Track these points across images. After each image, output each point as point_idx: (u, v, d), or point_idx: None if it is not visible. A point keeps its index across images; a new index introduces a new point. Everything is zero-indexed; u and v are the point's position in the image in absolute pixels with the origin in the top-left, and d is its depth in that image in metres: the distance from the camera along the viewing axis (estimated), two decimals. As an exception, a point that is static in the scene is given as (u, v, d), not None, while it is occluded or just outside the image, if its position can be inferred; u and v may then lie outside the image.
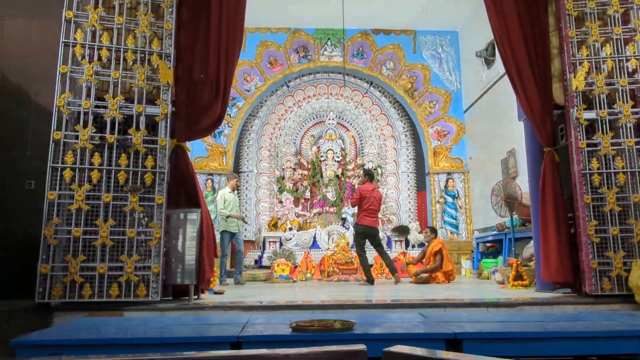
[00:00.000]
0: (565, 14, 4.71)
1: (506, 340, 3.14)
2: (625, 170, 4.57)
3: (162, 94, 4.80)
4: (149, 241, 4.42)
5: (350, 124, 12.62)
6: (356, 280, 8.40)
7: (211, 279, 5.23)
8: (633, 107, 4.62)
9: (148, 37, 4.84)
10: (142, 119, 4.68)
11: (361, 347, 0.82)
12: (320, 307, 4.38)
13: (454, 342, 3.15)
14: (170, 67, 4.82)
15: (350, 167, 12.15)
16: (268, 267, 9.80)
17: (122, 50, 4.72)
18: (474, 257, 10.19)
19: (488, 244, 9.83)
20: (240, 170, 12.32)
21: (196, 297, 4.83)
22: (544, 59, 4.98)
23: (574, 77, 4.66)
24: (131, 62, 4.77)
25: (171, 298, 4.80)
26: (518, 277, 6.04)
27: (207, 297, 5.20)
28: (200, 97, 5.14)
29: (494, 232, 9.14)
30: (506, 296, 5.15)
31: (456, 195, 11.61)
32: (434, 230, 7.94)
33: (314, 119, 12.66)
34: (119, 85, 4.68)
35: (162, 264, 4.42)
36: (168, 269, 4.58)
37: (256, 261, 10.86)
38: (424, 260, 7.90)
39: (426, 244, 8.01)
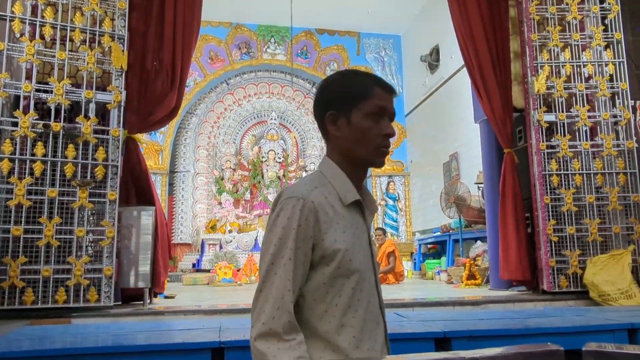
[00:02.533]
0: (529, 17, 4.85)
1: (494, 338, 3.11)
2: (581, 172, 4.75)
3: (114, 80, 4.39)
4: (100, 241, 4.00)
5: (292, 125, 12.45)
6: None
7: (165, 282, 4.85)
8: (589, 111, 4.83)
9: (98, 16, 4.41)
10: (92, 106, 4.25)
11: (557, 347, 0.66)
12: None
13: (443, 341, 3.08)
14: (123, 51, 4.42)
15: (292, 168, 11.98)
16: (209, 271, 9.39)
17: (68, 29, 4.26)
18: (415, 259, 10.35)
19: (429, 245, 10.02)
20: (176, 170, 11.77)
21: (149, 301, 4.44)
22: (505, 62, 5.09)
23: (536, 80, 4.80)
24: (79, 43, 4.32)
25: (120, 303, 4.38)
26: (471, 276, 6.15)
27: (159, 302, 4.81)
28: (153, 86, 4.77)
29: (437, 233, 9.33)
30: (464, 295, 5.21)
31: (397, 198, 11.77)
32: (384, 232, 7.95)
33: (255, 118, 12.36)
34: (65, 68, 4.22)
35: (115, 265, 4.01)
36: (120, 272, 4.18)
37: (194, 265, 10.39)
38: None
39: (376, 245, 7.99)
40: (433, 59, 10.33)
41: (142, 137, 10.54)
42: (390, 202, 11.73)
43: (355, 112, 1.22)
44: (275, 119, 12.02)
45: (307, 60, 12.08)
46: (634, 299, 4.28)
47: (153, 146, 11.08)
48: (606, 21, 4.96)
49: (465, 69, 5.60)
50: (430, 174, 10.65)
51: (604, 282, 4.39)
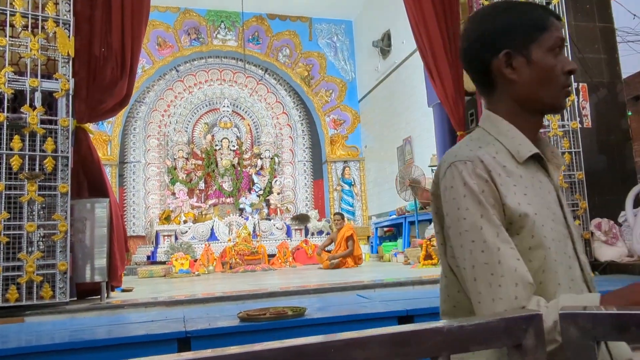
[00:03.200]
0: (479, 2, 4.97)
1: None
2: (530, 151, 4.95)
3: (60, 68, 4.19)
4: (52, 235, 3.84)
5: (246, 112, 12.31)
6: (263, 269, 8.22)
7: (122, 275, 4.73)
8: (536, 93, 5.02)
9: (40, 0, 4.19)
10: (38, 95, 4.05)
11: (537, 311, 0.70)
12: (251, 297, 4.17)
13: (406, 319, 3.16)
14: (69, 37, 4.22)
15: (246, 156, 11.86)
16: (164, 263, 9.22)
17: (8, 13, 4.03)
18: (372, 242, 10.53)
19: (385, 228, 10.22)
20: (126, 161, 11.43)
21: (106, 295, 4.32)
22: (457, 46, 5.21)
23: (486, 64, 4.94)
24: (20, 29, 4.09)
25: (76, 299, 4.24)
26: (428, 256, 6.32)
27: (116, 296, 4.69)
28: (102, 74, 4.59)
29: (393, 216, 9.51)
30: (422, 274, 5.35)
31: (352, 183, 11.90)
32: (342, 216, 8.04)
33: (206, 106, 12.13)
34: (7, 55, 4.00)
35: (69, 260, 3.87)
36: (75, 266, 4.04)
37: (149, 257, 10.17)
38: (331, 245, 7.97)
39: (334, 229, 8.07)
40: (385, 44, 10.44)
41: (90, 127, 10.19)
42: (346, 187, 11.85)
43: (535, 48, 1.03)
44: (227, 106, 11.84)
45: (258, 46, 11.93)
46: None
47: (101, 136, 10.70)
48: (550, 6, 5.15)
49: (416, 53, 5.71)
50: (384, 158, 10.82)
51: (553, 256, 4.61)
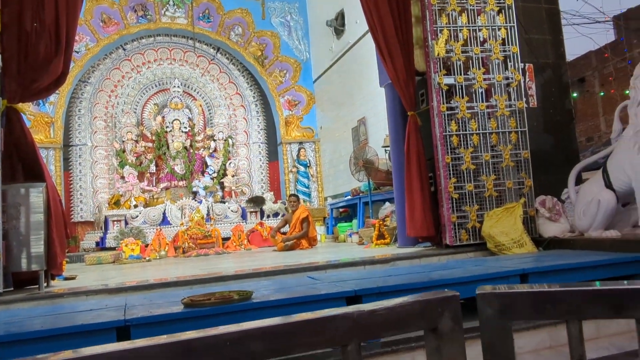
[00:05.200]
0: (429, -18, 4.95)
1: (401, 292, 3.22)
2: (478, 131, 5.02)
3: (-14, 43, 3.90)
4: (-18, 222, 3.61)
5: (198, 93, 11.98)
6: (216, 253, 8.09)
7: (63, 263, 4.52)
8: (484, 74, 5.07)
9: (-38, -30, 3.87)
10: (-39, 72, 3.76)
11: (453, 292, 0.65)
12: (200, 282, 4.05)
13: (354, 299, 3.15)
14: (-4, 10, 3.93)
15: (199, 138, 11.58)
16: (114, 248, 8.94)
17: None
18: (327, 223, 10.55)
19: (340, 209, 10.24)
20: (71, 144, 10.95)
21: (46, 284, 4.12)
22: (407, 26, 5.18)
23: (436, 43, 4.94)
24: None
25: (12, 289, 4.02)
26: (380, 236, 6.36)
27: (57, 284, 4.48)
28: (35, 50, 4.30)
29: (348, 197, 9.54)
30: (374, 254, 5.38)
31: (308, 165, 11.84)
32: (298, 198, 7.98)
33: (156, 86, 11.73)
34: None
35: (2, 248, 3.65)
36: (9, 255, 3.81)
37: (98, 243, 9.84)
38: (286, 227, 7.92)
39: (290, 211, 8.01)
40: (339, 24, 10.33)
41: (28, 108, 9.65)
42: (302, 168, 11.78)
43: None
44: (178, 86, 11.49)
45: (209, 24, 11.58)
46: (525, 247, 4.65)
47: (42, 118, 10.19)
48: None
49: (370, 34, 5.63)
50: (339, 139, 10.79)
51: (500, 233, 4.72)
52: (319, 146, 11.95)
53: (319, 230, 10.51)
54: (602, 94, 18.85)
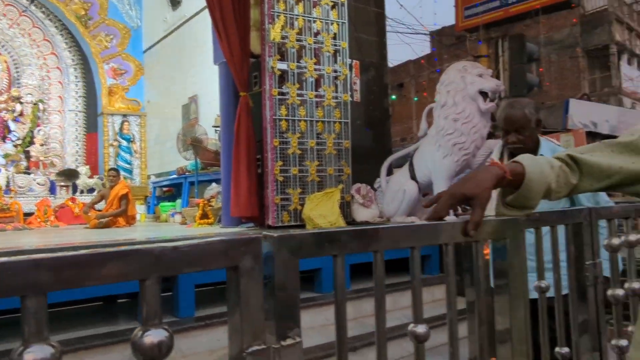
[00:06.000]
0: (269, -37, 4.98)
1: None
2: (306, 118, 5.24)
3: None
4: None
5: (3, 47, 10.39)
6: (15, 229, 7.16)
7: None
8: (315, 64, 5.30)
9: None
10: None
11: (257, 234, 0.70)
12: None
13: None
14: None
15: (1, 98, 10.06)
16: None
17: None
18: (149, 202, 10.05)
19: (164, 188, 9.85)
20: None
21: None
22: (245, 7, 5.17)
23: (272, 28, 5.02)
24: None
25: None
26: (204, 216, 6.28)
27: None
28: None
29: (173, 176, 9.20)
30: (196, 233, 5.31)
31: (131, 139, 11.11)
32: (118, 172, 7.42)
33: (-53, 31, 9.87)
34: None
35: None
36: None
37: None
38: (102, 204, 7.33)
39: (107, 186, 7.41)
40: (176, -6, 9.87)
41: None
42: (124, 143, 11.01)
43: None
44: (-23, 35, 9.82)
45: (23, -31, 10.10)
46: (340, 230, 5.01)
47: None
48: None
49: (208, 10, 5.48)
50: (168, 115, 10.34)
51: (318, 216, 5.01)
52: (145, 121, 11.29)
53: (140, 209, 9.96)
54: (416, 99, 21.18)
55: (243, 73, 5.22)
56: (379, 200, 5.54)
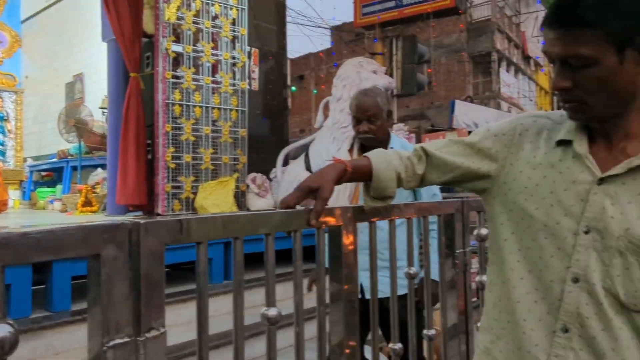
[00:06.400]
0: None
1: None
2: (201, 104, 5.08)
3: None
4: None
5: None
6: None
7: None
8: (213, 49, 5.15)
9: None
10: None
11: (123, 221, 0.66)
12: None
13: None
14: None
15: None
16: None
17: None
18: (25, 187, 9.19)
19: (43, 173, 9.05)
20: None
21: None
22: (139, -19, 4.88)
23: (167, 7, 4.79)
24: None
25: None
26: (87, 203, 5.87)
27: None
28: None
29: (53, 159, 8.49)
30: (78, 221, 4.94)
31: (5, 117, 10.04)
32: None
33: None
34: None
35: None
36: None
37: None
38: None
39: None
40: (60, -38, 9.04)
41: None
42: (-4, 121, 9.93)
43: None
44: None
45: None
46: (233, 219, 4.94)
47: None
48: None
49: (96, -21, 5.09)
50: (49, 93, 9.50)
51: (212, 205, 4.90)
52: (21, 98, 10.25)
53: (13, 194, 9.05)
54: (315, 92, 21.47)
55: (134, 52, 4.93)
56: (274, 191, 5.54)
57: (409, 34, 9.84)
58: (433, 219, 1.55)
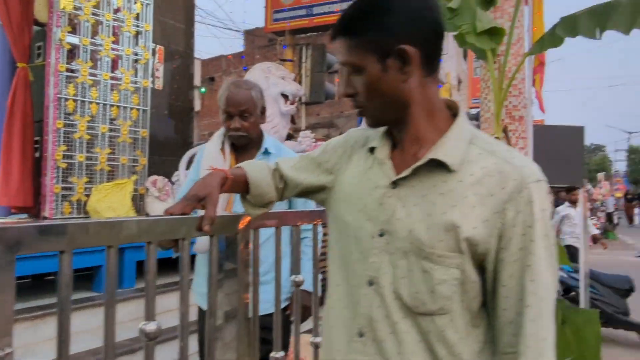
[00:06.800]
0: None
1: None
2: (98, 101, 4.78)
3: None
4: None
5: None
6: None
7: None
8: (113, 43, 4.88)
9: None
10: None
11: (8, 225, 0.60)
12: None
13: None
14: None
15: None
16: None
17: None
18: None
19: None
20: None
21: None
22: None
23: (63, -5, 4.46)
24: None
25: None
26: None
27: None
28: None
29: None
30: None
31: None
32: None
33: None
34: None
35: None
36: None
37: None
38: None
39: None
40: None
41: None
42: None
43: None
44: None
45: None
46: (130, 224, 4.70)
47: None
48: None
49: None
50: None
51: (107, 208, 4.62)
52: None
53: None
54: (225, 95, 21.12)
55: (23, 41, 4.55)
56: (176, 194, 5.35)
57: (319, 43, 10.00)
58: (306, 227, 1.56)
